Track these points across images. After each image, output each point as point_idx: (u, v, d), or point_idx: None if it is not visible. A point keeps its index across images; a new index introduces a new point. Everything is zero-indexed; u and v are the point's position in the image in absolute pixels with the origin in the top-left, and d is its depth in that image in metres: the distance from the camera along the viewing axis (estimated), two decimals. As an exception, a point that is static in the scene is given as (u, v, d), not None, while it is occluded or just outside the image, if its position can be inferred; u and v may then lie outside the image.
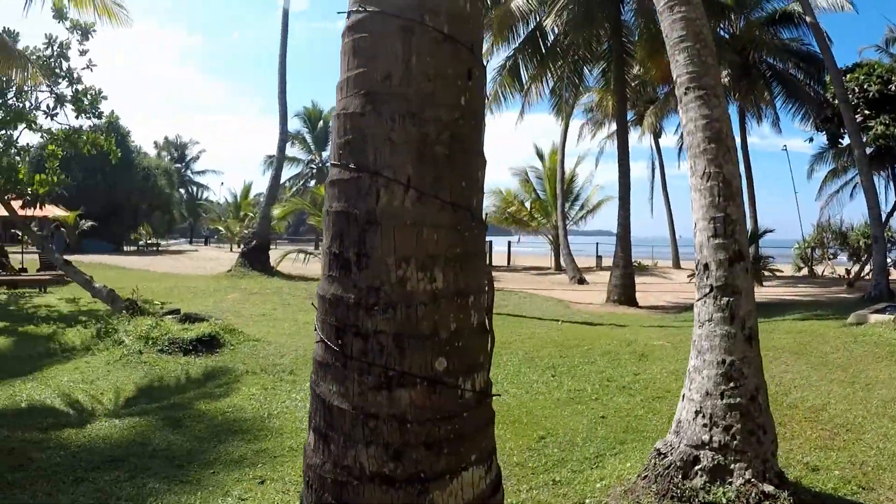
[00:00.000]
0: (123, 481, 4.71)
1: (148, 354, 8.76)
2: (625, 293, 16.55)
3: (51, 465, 4.93)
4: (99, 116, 13.01)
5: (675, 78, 4.96)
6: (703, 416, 4.30)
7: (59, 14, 11.65)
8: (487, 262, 2.65)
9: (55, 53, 12.20)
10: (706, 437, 4.23)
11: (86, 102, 12.48)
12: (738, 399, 4.22)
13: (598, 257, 34.41)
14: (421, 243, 2.24)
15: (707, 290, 4.55)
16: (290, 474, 4.87)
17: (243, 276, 20.30)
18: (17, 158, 13.80)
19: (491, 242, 36.64)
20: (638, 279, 18.80)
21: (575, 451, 5.49)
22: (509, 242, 38.39)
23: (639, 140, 36.13)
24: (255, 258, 21.70)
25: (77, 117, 12.88)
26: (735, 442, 4.13)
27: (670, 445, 4.45)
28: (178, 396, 7.23)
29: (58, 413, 6.45)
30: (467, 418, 2.32)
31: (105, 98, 12.59)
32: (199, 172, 66.98)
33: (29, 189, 12.21)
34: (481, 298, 2.42)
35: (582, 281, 23.97)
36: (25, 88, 12.18)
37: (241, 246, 25.32)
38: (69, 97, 12.49)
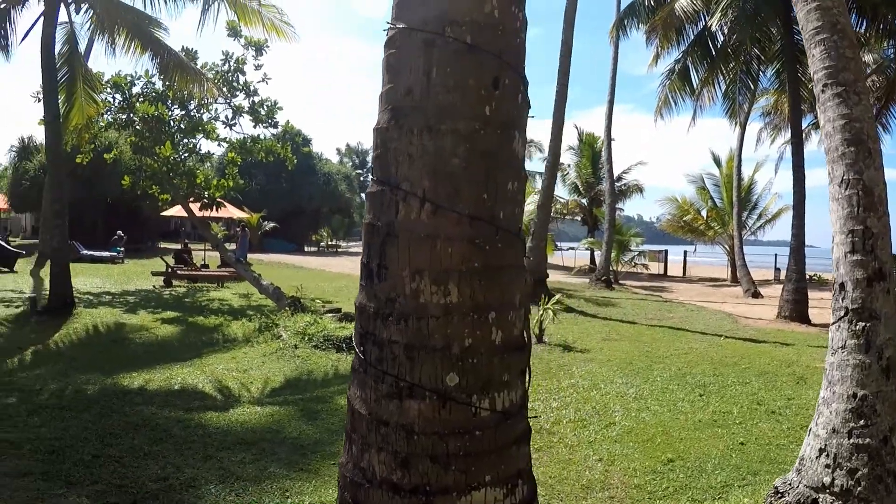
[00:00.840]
0: (248, 463, 5.14)
1: (303, 349, 9.41)
2: (796, 309, 15.01)
3: (186, 442, 5.51)
4: (275, 126, 14.21)
5: (811, 74, 4.44)
6: (827, 456, 3.80)
7: (234, 32, 12.93)
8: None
9: (232, 68, 13.51)
10: (827, 480, 3.74)
11: (262, 113, 13.72)
12: (868, 440, 3.68)
13: (777, 269, 31.48)
14: (435, 256, 2.24)
15: (842, 312, 4.03)
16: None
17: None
18: (202, 164, 15.40)
19: (666, 252, 35.11)
20: (815, 294, 16.99)
21: (701, 479, 5.14)
22: (685, 252, 36.35)
23: (818, 146, 32.57)
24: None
25: (255, 127, 14.15)
26: (859, 488, 3.60)
27: (789, 484, 4.00)
28: (322, 390, 7.70)
29: (206, 397, 7.16)
30: (480, 437, 2.26)
31: (280, 109, 13.77)
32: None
33: (206, 193, 13.61)
34: (509, 315, 2.35)
35: (756, 294, 22.15)
36: (206, 101, 13.61)
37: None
38: (246, 108, 13.78)
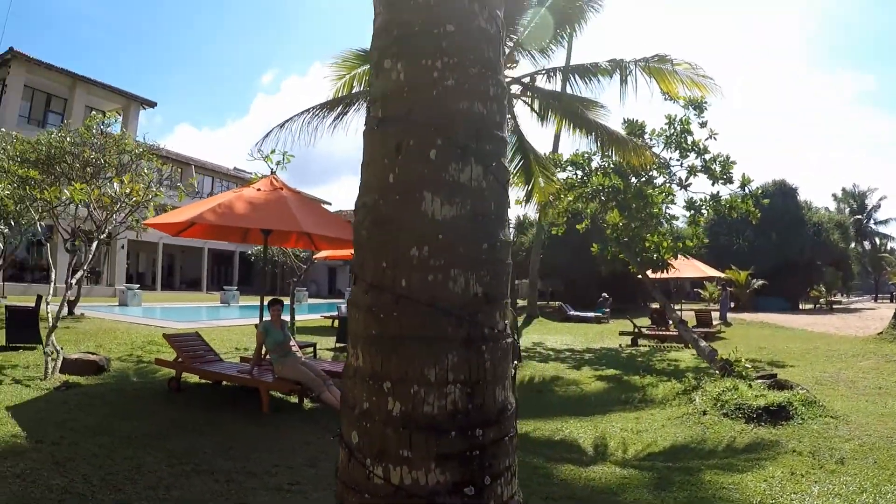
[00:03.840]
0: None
1: (710, 416, 8.77)
2: None
3: (521, 484, 5.87)
4: (730, 181, 13.72)
5: None
6: None
7: (673, 96, 13.04)
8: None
9: (678, 130, 13.63)
10: None
11: (716, 170, 13.43)
12: None
13: None
14: (354, 324, 2.41)
15: None
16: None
17: (894, 340, 17.03)
18: (663, 227, 15.73)
19: None
20: None
21: None
22: None
23: None
24: (913, 319, 17.87)
25: (713, 185, 13.89)
26: None
27: None
28: (698, 461, 7.12)
29: (578, 450, 7.37)
30: (370, 502, 2.24)
31: (734, 163, 13.24)
32: (881, 222, 58.56)
33: (654, 255, 13.86)
34: (412, 389, 2.26)
35: None
36: (665, 164, 13.97)
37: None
38: (700, 167, 13.68)
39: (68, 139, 14.26)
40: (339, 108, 13.40)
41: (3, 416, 7.11)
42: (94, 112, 16.81)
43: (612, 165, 14.56)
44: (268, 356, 8.99)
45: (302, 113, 13.11)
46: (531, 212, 18.09)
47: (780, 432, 7.91)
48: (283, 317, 9.31)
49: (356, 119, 13.69)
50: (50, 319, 9.94)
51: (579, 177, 15.19)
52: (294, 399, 8.89)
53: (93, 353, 10.73)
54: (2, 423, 6.82)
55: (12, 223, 12.41)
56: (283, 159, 16.09)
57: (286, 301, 12.73)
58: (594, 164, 14.98)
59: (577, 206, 16.91)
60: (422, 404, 2.27)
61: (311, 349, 12.89)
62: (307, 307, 29.04)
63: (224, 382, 9.56)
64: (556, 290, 41.64)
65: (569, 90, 14.79)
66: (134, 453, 6.16)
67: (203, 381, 9.76)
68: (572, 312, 27.17)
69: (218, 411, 8.22)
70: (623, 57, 13.63)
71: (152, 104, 32.82)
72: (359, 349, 2.36)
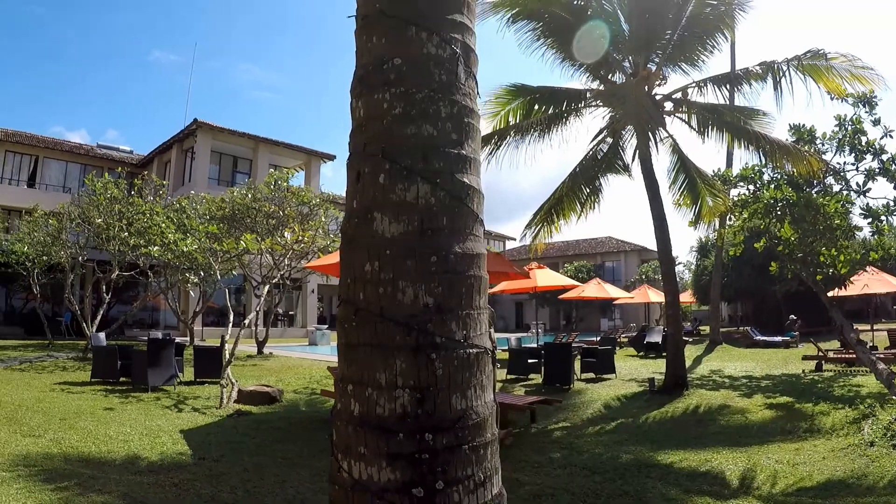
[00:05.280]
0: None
1: (878, 448, 7.79)
2: None
3: None
4: None
5: None
6: None
7: (836, 93, 11.89)
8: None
9: (849, 131, 12.45)
10: None
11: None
12: None
13: None
14: (337, 335, 2.66)
15: None
16: None
17: None
18: (847, 239, 14.23)
19: None
20: None
21: None
22: None
23: None
24: None
25: (895, 188, 12.52)
26: None
27: None
28: (852, 499, 6.37)
29: (721, 483, 6.77)
30: (337, 495, 2.48)
31: None
32: None
33: (830, 270, 12.63)
34: (366, 391, 2.44)
35: None
36: (841, 170, 12.84)
37: None
38: (878, 170, 12.38)
39: (250, 196, 16.13)
40: (493, 142, 13.77)
41: (177, 438, 8.26)
42: (271, 170, 18.85)
43: (784, 177, 13.53)
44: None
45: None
46: (712, 234, 17.21)
47: (959, 463, 6.91)
48: None
49: (508, 153, 14.13)
50: (226, 355, 11.29)
51: (751, 192, 14.22)
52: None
53: (267, 386, 11.96)
54: (174, 443, 7.95)
55: (202, 273, 14.37)
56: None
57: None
58: (765, 177, 13.95)
59: (756, 223, 15.89)
60: (374, 406, 2.47)
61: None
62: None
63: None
64: (746, 313, 38.46)
65: (724, 100, 14.09)
66: (282, 471, 6.87)
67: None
68: (759, 337, 25.11)
69: (373, 436, 8.77)
70: (774, 58, 12.75)
71: (331, 157, 35.86)
72: (338, 358, 2.66)
